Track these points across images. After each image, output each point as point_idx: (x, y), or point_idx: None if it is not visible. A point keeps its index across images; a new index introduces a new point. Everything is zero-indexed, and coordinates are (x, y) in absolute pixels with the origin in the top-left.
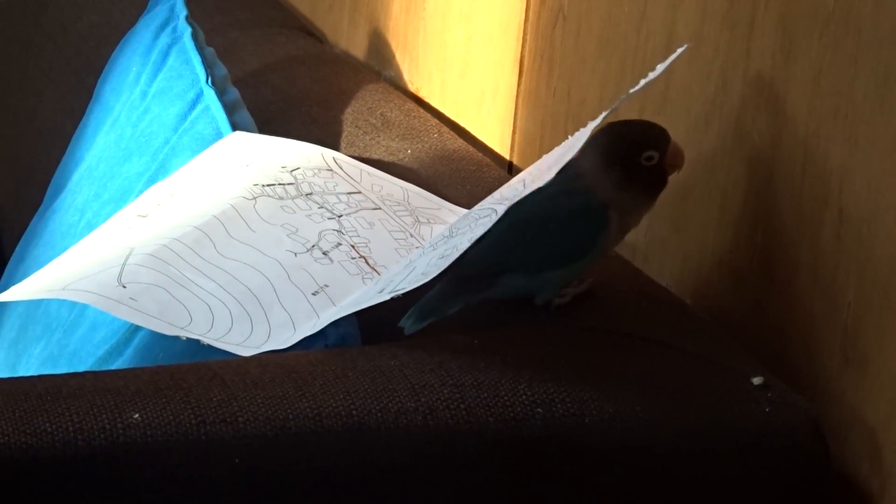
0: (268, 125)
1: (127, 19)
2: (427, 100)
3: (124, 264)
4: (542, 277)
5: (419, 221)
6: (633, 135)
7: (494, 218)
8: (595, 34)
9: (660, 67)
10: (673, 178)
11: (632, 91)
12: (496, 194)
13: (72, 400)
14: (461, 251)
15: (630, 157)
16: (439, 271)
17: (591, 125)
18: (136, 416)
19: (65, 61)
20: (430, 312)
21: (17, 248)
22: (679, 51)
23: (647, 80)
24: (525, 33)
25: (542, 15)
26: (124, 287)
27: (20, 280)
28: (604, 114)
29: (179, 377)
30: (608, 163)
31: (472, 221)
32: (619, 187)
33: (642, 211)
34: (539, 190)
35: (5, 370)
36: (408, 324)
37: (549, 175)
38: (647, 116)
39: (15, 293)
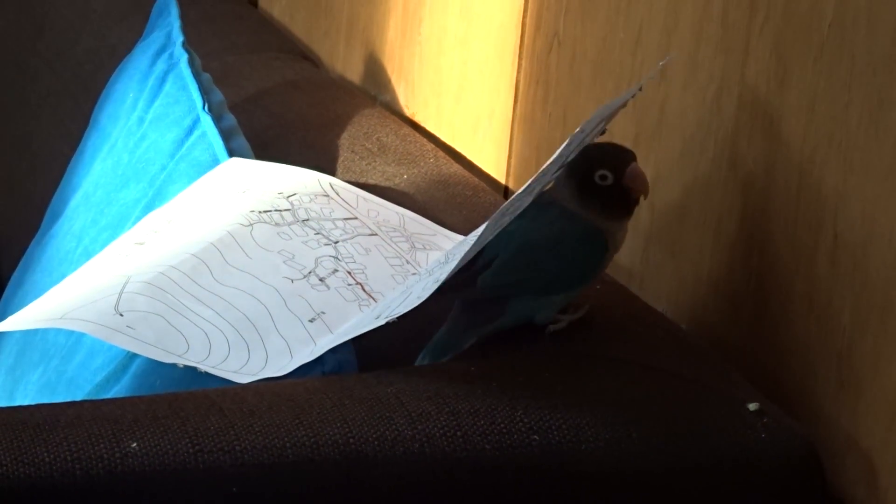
0: (264, 150)
1: (124, 44)
2: (423, 124)
3: (121, 292)
4: (548, 300)
5: (415, 247)
6: (588, 154)
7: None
8: (590, 59)
9: (645, 78)
10: (667, 203)
11: (617, 101)
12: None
13: (69, 429)
14: (452, 271)
15: (585, 176)
16: (429, 293)
17: (579, 129)
18: (134, 444)
19: (61, 86)
20: (446, 349)
21: (15, 274)
22: (661, 63)
23: (632, 90)
24: (520, 58)
25: (538, 40)
26: (121, 315)
27: (17, 306)
28: (592, 124)
29: (177, 406)
30: (569, 182)
31: (468, 247)
32: (582, 205)
33: (622, 231)
34: (541, 213)
35: (3, 397)
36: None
37: (541, 178)
38: (642, 141)
39: (13, 323)
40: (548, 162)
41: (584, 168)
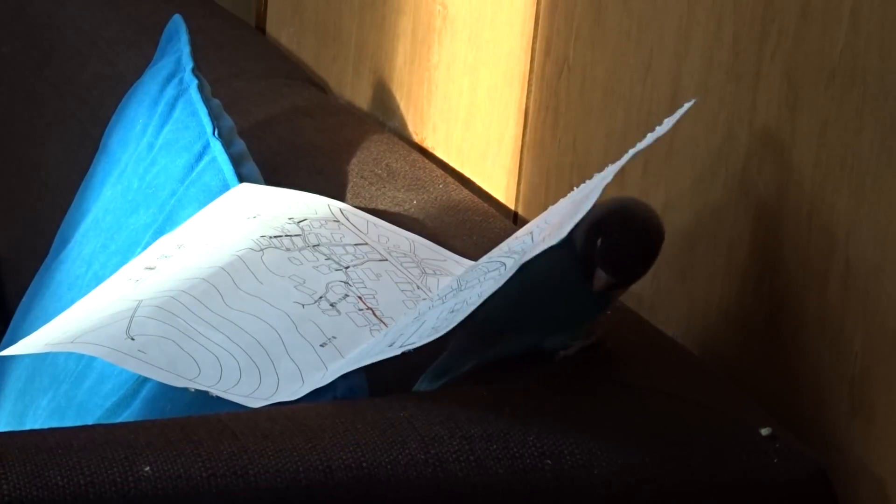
0: (273, 176)
1: (131, 70)
2: (432, 150)
3: (133, 317)
4: (552, 337)
5: (425, 273)
6: (589, 221)
7: (503, 271)
8: (600, 85)
9: (667, 122)
10: (679, 229)
11: (640, 146)
12: (504, 246)
13: (83, 453)
14: (472, 306)
15: (589, 239)
16: (451, 326)
17: (598, 179)
18: (147, 469)
19: (69, 112)
20: (444, 372)
21: (24, 300)
22: (686, 105)
23: (654, 135)
24: (530, 84)
25: (547, 66)
26: (133, 339)
27: (27, 331)
28: (612, 168)
29: (190, 430)
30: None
31: (481, 275)
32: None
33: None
34: (547, 250)
35: (13, 421)
36: (422, 386)
37: (562, 233)
38: (653, 167)
39: (24, 346)
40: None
41: (600, 232)
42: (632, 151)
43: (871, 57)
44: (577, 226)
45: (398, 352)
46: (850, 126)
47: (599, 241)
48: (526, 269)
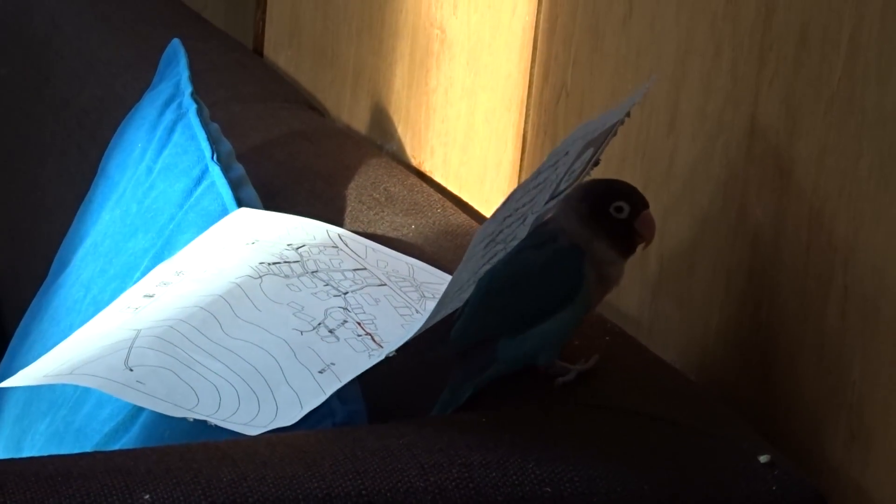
0: (271, 200)
1: (129, 93)
2: (430, 174)
3: (131, 347)
4: (533, 337)
5: (424, 296)
6: (605, 185)
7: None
8: (598, 110)
9: (631, 102)
10: (677, 254)
11: (604, 122)
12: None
13: (82, 481)
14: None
15: (600, 205)
16: (427, 325)
17: (562, 150)
18: (147, 496)
19: (66, 134)
20: (446, 405)
21: (22, 323)
22: (652, 79)
23: (619, 114)
24: (528, 108)
25: (545, 90)
26: (131, 370)
27: (24, 355)
28: (577, 147)
29: (189, 457)
30: (578, 209)
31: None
32: (588, 232)
33: (617, 264)
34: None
35: (10, 447)
36: None
37: (532, 209)
38: (651, 191)
39: (22, 378)
40: (532, 184)
41: (602, 196)
42: (587, 125)
43: (869, 84)
44: (558, 223)
45: (381, 358)
46: (849, 153)
47: (598, 190)
48: (487, 276)
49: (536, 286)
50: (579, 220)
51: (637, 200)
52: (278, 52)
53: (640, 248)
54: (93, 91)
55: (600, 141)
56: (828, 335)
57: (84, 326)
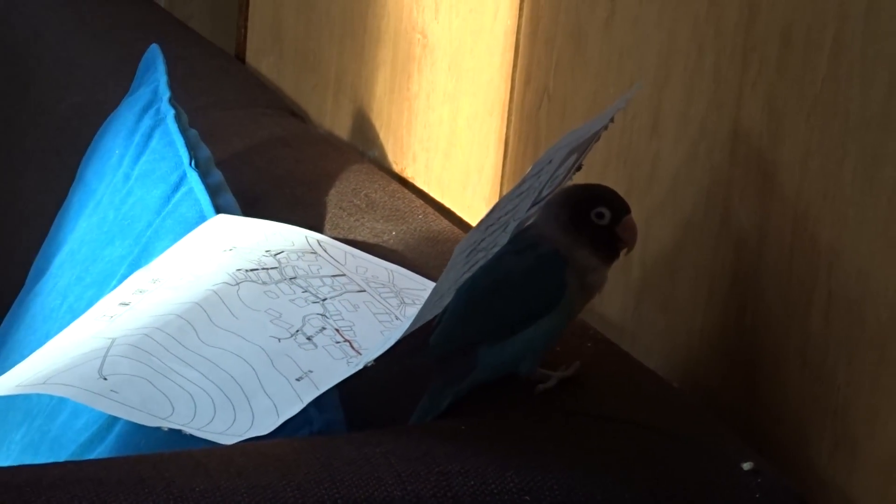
0: (252, 207)
1: (110, 100)
2: (412, 180)
3: (105, 356)
4: (514, 344)
5: (405, 303)
6: (586, 191)
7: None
8: (580, 115)
9: (614, 110)
10: (660, 259)
11: (589, 129)
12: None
13: (52, 491)
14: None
15: (580, 212)
16: (404, 333)
17: (546, 158)
18: None
19: (47, 141)
20: (426, 413)
21: None
22: (636, 87)
23: (603, 120)
24: (510, 114)
25: (527, 95)
26: (105, 379)
27: (1, 364)
28: (561, 154)
29: (162, 466)
30: (559, 215)
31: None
32: (569, 239)
33: (600, 271)
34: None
35: None
36: None
37: (513, 217)
38: (634, 196)
39: None
40: (515, 193)
41: (583, 201)
42: (573, 133)
43: (853, 85)
44: (538, 230)
45: (359, 367)
46: (833, 156)
47: (579, 195)
48: (468, 282)
49: (518, 293)
50: (560, 227)
51: (618, 206)
52: (260, 58)
53: (622, 253)
54: (73, 98)
55: (583, 147)
56: (812, 340)
57: (59, 335)
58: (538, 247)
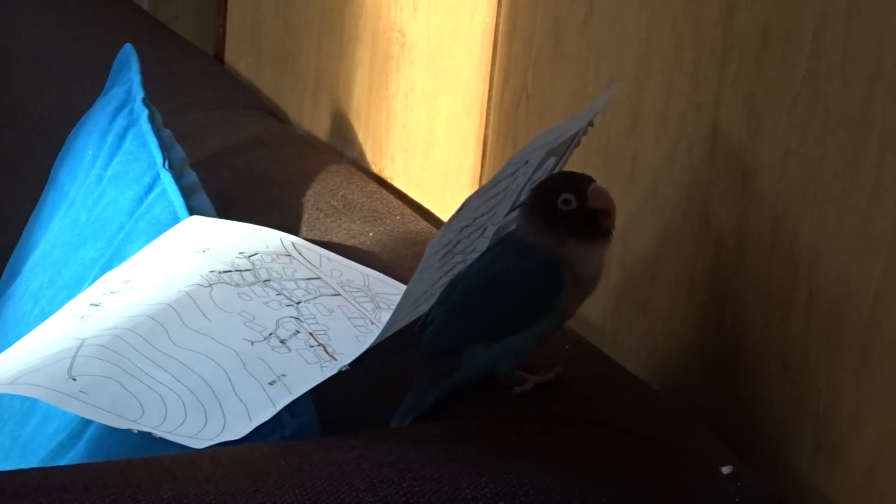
0: (228, 207)
1: (87, 101)
2: (390, 180)
3: (75, 356)
4: (502, 345)
5: (380, 307)
6: (545, 187)
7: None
8: (559, 114)
9: (593, 108)
10: (639, 260)
11: (564, 130)
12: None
13: (16, 499)
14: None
15: (548, 204)
16: (381, 337)
17: (522, 160)
18: None
19: (24, 144)
20: (410, 410)
21: None
22: (613, 88)
23: (581, 123)
24: (488, 113)
25: (506, 94)
26: (74, 380)
27: None
28: (537, 156)
29: (128, 473)
30: (532, 221)
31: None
32: (552, 239)
33: (592, 257)
34: (485, 253)
35: None
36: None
37: (488, 223)
38: (614, 196)
39: None
40: (489, 193)
41: (546, 196)
42: (548, 132)
43: (833, 83)
44: (520, 225)
45: (333, 372)
46: (813, 154)
47: (541, 193)
48: (463, 280)
49: (516, 296)
50: (539, 231)
51: (578, 184)
52: (239, 58)
53: (607, 224)
54: (50, 100)
55: (562, 150)
56: (792, 342)
57: (28, 335)
58: (534, 250)
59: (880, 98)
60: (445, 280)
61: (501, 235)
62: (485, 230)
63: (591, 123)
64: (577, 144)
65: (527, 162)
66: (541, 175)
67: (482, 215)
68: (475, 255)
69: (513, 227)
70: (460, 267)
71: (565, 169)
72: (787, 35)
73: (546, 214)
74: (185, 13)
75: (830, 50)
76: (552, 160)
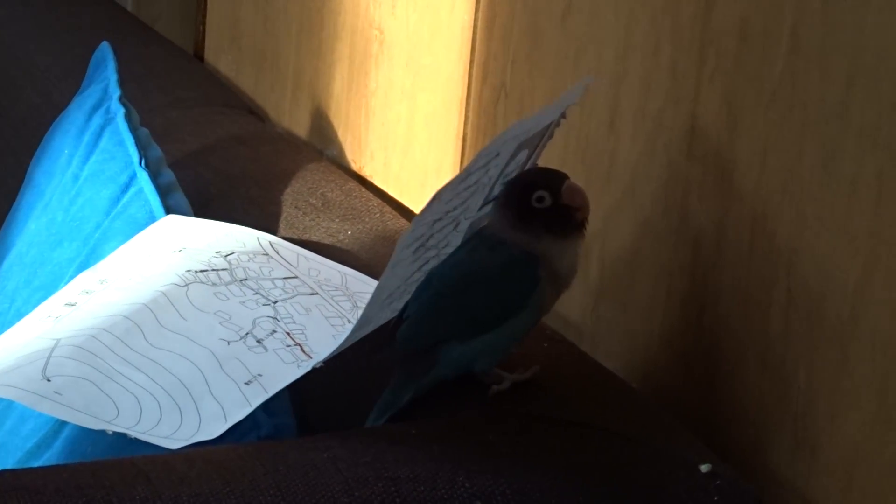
0: (206, 206)
1: (66, 100)
2: (370, 178)
3: (49, 357)
4: (480, 342)
5: (357, 306)
6: (519, 183)
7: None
8: (538, 110)
9: (566, 99)
10: (618, 258)
11: (535, 122)
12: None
13: None
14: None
15: (522, 201)
16: (356, 336)
17: (494, 153)
18: None
19: (3, 143)
20: (387, 407)
21: None
22: (587, 79)
23: (553, 114)
24: (467, 110)
25: (485, 92)
26: (49, 381)
27: None
28: (509, 148)
29: (101, 474)
30: (507, 217)
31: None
32: (527, 236)
33: (567, 253)
34: (459, 249)
35: None
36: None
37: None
38: (592, 194)
39: None
40: (460, 186)
41: (520, 193)
42: (519, 124)
43: (811, 79)
44: (494, 221)
45: (308, 369)
46: (791, 150)
47: (515, 189)
48: (437, 276)
49: (491, 292)
50: (514, 228)
51: (552, 181)
52: (219, 56)
53: (579, 218)
54: (30, 99)
55: (535, 143)
56: (772, 340)
57: (3, 335)
58: (509, 247)
59: (858, 93)
60: (419, 275)
61: (475, 230)
62: (458, 224)
63: (563, 115)
64: (551, 137)
65: (498, 154)
66: (513, 168)
67: (454, 209)
68: (449, 250)
69: (486, 221)
70: (434, 262)
71: (539, 162)
72: (764, 31)
73: (520, 211)
74: (169, 12)
75: (808, 45)
76: (524, 153)
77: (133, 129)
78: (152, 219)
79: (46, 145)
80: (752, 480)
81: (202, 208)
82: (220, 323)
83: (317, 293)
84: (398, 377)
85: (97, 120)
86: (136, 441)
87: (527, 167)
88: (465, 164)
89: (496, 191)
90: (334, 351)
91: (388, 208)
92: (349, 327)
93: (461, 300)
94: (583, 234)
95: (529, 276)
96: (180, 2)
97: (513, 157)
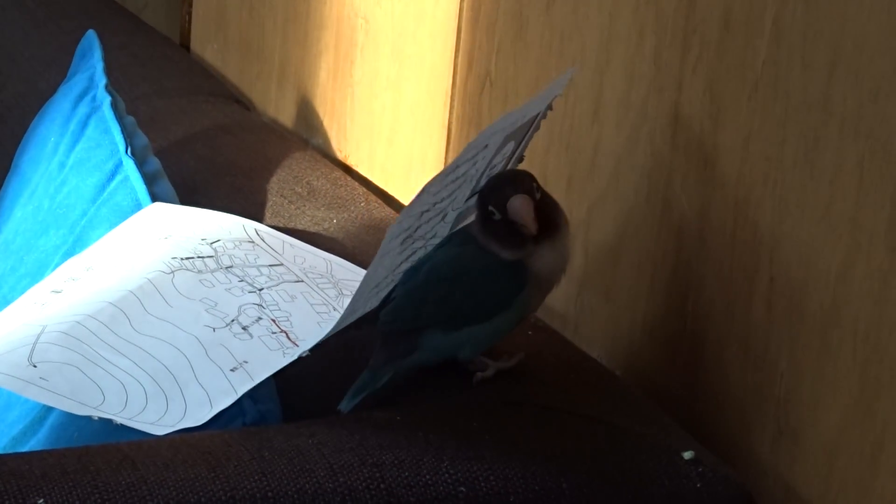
0: (192, 195)
1: (52, 88)
2: (356, 167)
3: (35, 343)
4: (463, 333)
5: (342, 294)
6: (481, 195)
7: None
8: (522, 100)
9: (551, 91)
10: (602, 246)
11: (523, 114)
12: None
13: None
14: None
15: (484, 215)
16: (342, 324)
17: (482, 143)
18: (41, 501)
19: None
20: (363, 387)
21: None
22: (571, 71)
23: (539, 106)
24: (452, 99)
25: (470, 81)
26: (35, 366)
27: None
28: (497, 140)
29: (87, 460)
30: (477, 212)
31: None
32: (485, 238)
33: (543, 260)
34: (450, 241)
35: None
36: (343, 406)
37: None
38: (576, 183)
39: None
40: (449, 178)
41: (481, 205)
42: (509, 116)
43: (793, 68)
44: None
45: (294, 357)
46: (773, 139)
47: (480, 195)
48: (428, 263)
49: (479, 291)
50: (480, 231)
51: (498, 199)
52: (205, 45)
53: (527, 233)
54: (15, 87)
55: (521, 135)
56: (754, 328)
57: None
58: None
59: (840, 83)
60: (406, 266)
61: (464, 224)
62: (445, 216)
63: (550, 107)
64: (537, 128)
65: (486, 146)
66: (500, 160)
67: (442, 200)
68: (436, 241)
69: (473, 216)
70: (421, 252)
71: (525, 152)
72: (747, 20)
73: (483, 219)
74: (155, 1)
75: (790, 35)
76: (511, 145)
77: (119, 118)
78: (138, 206)
79: (33, 133)
80: (734, 467)
81: (187, 196)
82: (206, 310)
83: (302, 280)
84: (377, 358)
85: (83, 108)
86: (122, 427)
87: (513, 159)
88: (451, 153)
89: (482, 182)
90: (321, 339)
91: (373, 197)
92: (334, 314)
93: (445, 293)
94: (567, 232)
95: (515, 280)
96: None
97: (500, 148)
